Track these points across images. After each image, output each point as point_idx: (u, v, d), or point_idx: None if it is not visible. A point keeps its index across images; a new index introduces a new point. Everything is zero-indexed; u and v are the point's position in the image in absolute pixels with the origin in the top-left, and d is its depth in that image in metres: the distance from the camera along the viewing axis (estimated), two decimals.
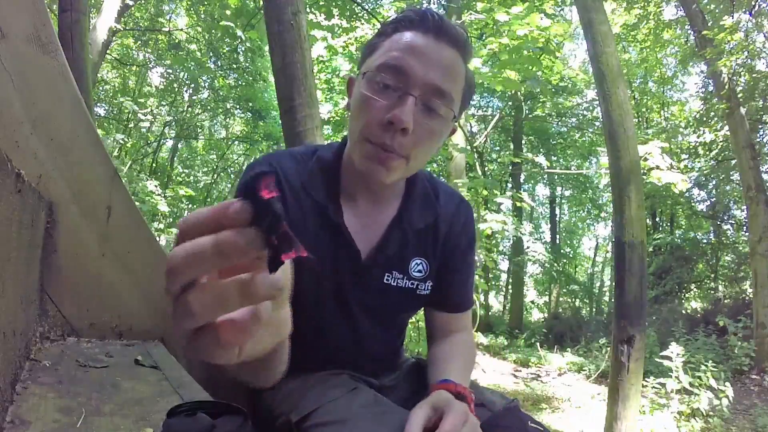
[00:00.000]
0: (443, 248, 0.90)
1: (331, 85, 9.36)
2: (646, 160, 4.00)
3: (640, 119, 13.14)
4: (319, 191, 0.83)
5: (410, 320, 1.11)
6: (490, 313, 15.37)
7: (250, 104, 11.93)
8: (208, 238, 0.27)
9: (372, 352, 0.94)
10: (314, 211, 0.82)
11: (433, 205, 0.90)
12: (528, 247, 12.36)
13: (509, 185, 12.71)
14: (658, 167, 4.05)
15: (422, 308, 1.01)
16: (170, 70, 11.31)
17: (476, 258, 0.99)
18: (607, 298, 14.39)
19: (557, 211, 17.51)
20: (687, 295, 10.55)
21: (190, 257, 0.27)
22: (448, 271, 0.92)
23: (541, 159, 6.96)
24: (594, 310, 14.16)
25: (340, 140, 0.90)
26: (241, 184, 0.72)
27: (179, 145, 13.91)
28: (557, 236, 16.99)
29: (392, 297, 0.88)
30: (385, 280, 0.87)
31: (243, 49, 9.53)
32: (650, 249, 10.41)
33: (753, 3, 6.83)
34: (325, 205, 0.82)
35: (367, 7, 7.87)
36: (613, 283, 3.58)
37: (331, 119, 8.92)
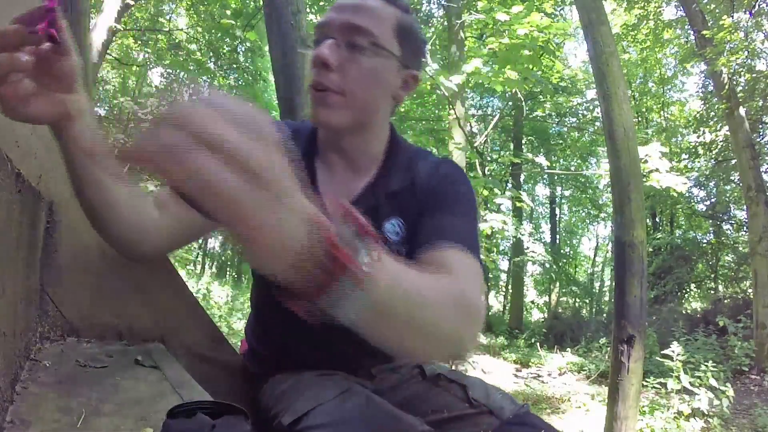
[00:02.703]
0: (419, 199, 0.82)
1: None
2: (645, 162, 3.99)
3: (640, 119, 13.14)
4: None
5: None
6: (490, 313, 15.37)
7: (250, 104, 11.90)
8: None
9: (352, 336, 0.90)
10: None
11: (412, 170, 0.86)
12: (528, 247, 12.35)
13: (509, 185, 12.72)
14: (657, 170, 4.04)
15: None
16: (170, 70, 11.30)
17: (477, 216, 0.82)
18: (607, 298, 14.39)
19: (557, 211, 17.52)
20: (687, 295, 10.55)
21: None
22: (425, 216, 0.80)
23: (541, 159, 6.96)
24: (594, 310, 14.16)
25: None
26: None
27: None
28: (557, 236, 17.00)
29: None
30: None
31: (243, 49, 9.52)
32: (650, 249, 10.41)
33: (753, 3, 6.83)
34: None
35: None
36: (613, 283, 3.57)
37: None
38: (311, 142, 0.88)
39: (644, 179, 3.92)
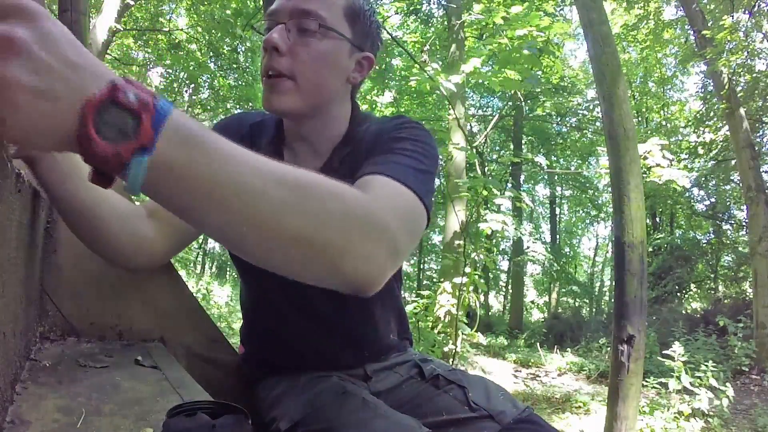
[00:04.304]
0: (366, 156, 0.75)
1: None
2: (645, 159, 3.99)
3: (640, 119, 13.15)
4: (262, 139, 0.87)
5: (409, 320, 1.04)
6: (490, 313, 15.39)
7: (250, 104, 11.93)
8: None
9: (339, 331, 0.90)
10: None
11: (365, 139, 0.83)
12: (528, 247, 12.37)
13: (509, 185, 12.73)
14: (659, 165, 4.04)
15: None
16: (170, 70, 11.30)
17: (416, 154, 0.72)
18: (607, 298, 14.41)
19: (557, 211, 17.53)
20: (687, 295, 10.55)
21: None
22: (365, 162, 0.73)
23: (541, 159, 6.97)
24: (594, 310, 14.17)
25: None
26: None
27: None
28: (557, 236, 17.01)
29: None
30: None
31: (243, 49, 9.52)
32: (650, 249, 10.42)
33: (753, 3, 6.83)
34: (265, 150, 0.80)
35: None
36: (613, 283, 3.57)
37: None
38: (279, 129, 0.88)
39: (645, 176, 3.92)
